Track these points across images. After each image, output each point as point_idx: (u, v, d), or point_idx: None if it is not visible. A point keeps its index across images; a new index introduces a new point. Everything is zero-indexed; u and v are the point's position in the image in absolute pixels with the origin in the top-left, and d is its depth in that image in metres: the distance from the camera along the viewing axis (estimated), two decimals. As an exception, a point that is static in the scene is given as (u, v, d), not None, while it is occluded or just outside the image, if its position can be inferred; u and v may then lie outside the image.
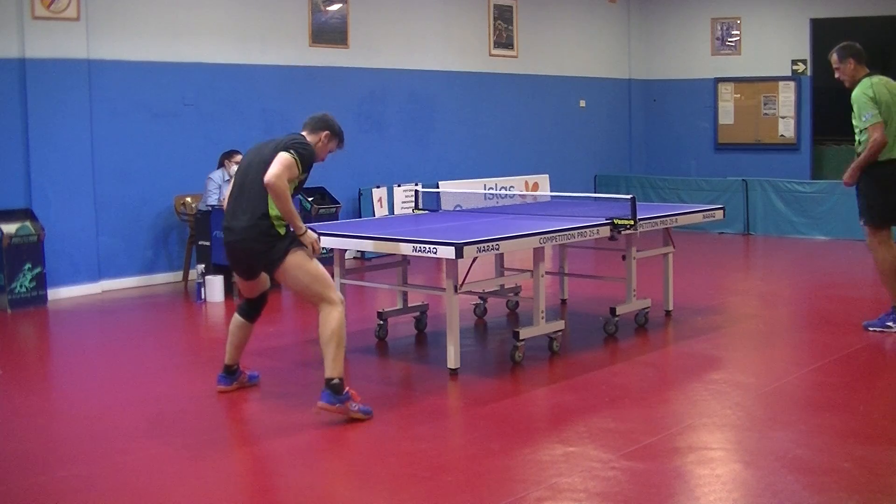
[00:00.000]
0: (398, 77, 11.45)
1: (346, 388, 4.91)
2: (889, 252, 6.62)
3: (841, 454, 4.39)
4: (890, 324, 6.72)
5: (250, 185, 5.03)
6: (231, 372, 5.48)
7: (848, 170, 6.65)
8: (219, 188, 8.76)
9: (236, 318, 5.41)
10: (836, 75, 6.80)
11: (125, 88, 9.06)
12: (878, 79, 6.64)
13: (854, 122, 6.60)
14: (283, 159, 4.89)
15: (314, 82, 10.54)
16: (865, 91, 6.51)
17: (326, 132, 5.21)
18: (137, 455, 4.55)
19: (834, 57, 6.78)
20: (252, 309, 5.40)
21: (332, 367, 4.87)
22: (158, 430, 4.93)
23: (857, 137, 6.61)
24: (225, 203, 5.31)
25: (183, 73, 9.45)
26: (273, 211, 4.95)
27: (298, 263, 4.97)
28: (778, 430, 4.75)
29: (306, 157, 5.01)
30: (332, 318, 4.91)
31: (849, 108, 6.72)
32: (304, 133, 5.21)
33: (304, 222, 5.10)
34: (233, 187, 5.20)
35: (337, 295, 5.02)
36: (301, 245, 5.03)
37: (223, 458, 4.59)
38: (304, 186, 9.76)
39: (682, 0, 14.71)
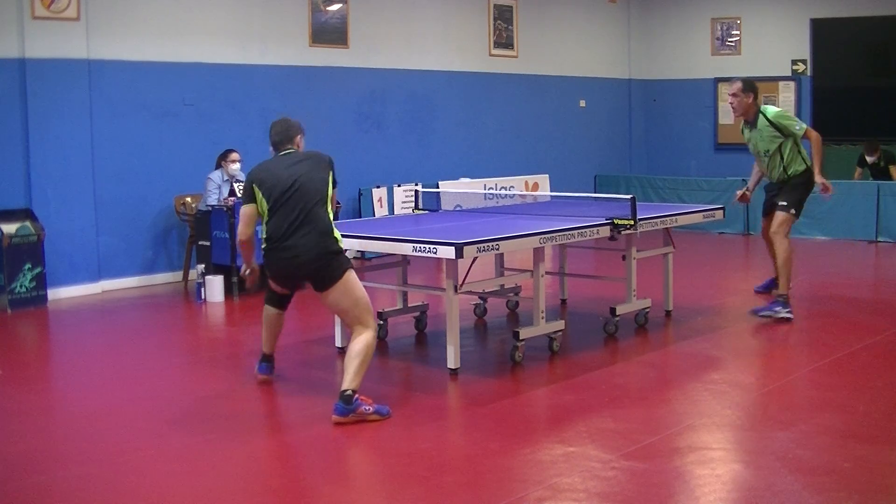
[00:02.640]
0: (398, 77, 11.45)
1: (357, 396, 4.95)
2: (791, 243, 7.32)
3: (841, 454, 4.39)
4: (778, 309, 7.12)
5: (311, 203, 5.13)
6: (270, 360, 5.70)
7: (822, 180, 7.22)
8: (218, 188, 8.77)
9: (268, 308, 5.63)
10: (730, 102, 7.41)
11: (125, 88, 9.06)
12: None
13: (762, 145, 7.34)
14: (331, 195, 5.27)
15: (314, 82, 10.54)
16: (781, 110, 7.44)
17: (299, 135, 5.49)
18: (137, 455, 4.55)
19: (738, 86, 7.35)
20: (283, 298, 5.62)
21: (351, 380, 4.94)
22: (158, 430, 4.93)
23: (766, 160, 7.37)
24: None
25: (183, 73, 9.45)
26: (335, 231, 5.18)
27: (352, 285, 5.14)
28: (778, 430, 4.75)
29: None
30: (366, 339, 5.06)
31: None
32: (300, 143, 5.47)
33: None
34: (285, 209, 5.15)
35: (374, 321, 5.21)
36: (353, 267, 5.23)
37: (223, 458, 4.58)
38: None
39: (682, 0, 14.71)
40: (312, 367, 6.18)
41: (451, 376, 5.74)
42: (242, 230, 5.31)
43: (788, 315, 7.11)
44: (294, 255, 5.11)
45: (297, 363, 6.21)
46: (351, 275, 5.14)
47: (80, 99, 8.70)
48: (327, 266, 5.09)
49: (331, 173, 5.30)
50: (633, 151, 15.11)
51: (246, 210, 5.27)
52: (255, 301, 5.51)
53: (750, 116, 7.38)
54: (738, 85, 7.34)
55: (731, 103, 7.42)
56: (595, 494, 3.99)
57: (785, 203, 7.29)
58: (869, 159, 12.27)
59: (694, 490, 4.08)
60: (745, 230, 12.40)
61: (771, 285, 7.91)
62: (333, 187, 5.32)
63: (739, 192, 7.85)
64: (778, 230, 7.28)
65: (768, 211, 7.66)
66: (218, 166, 8.93)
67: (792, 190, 7.33)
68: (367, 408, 4.96)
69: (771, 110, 7.36)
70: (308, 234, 5.10)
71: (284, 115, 5.75)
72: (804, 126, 7.29)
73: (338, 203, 10.25)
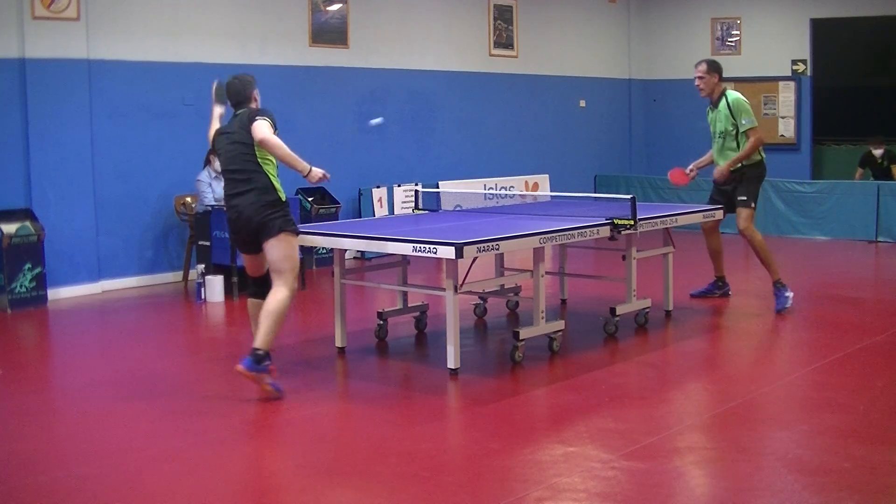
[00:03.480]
0: (398, 77, 11.45)
1: (268, 363, 5.25)
2: (754, 232, 7.55)
3: (841, 454, 4.39)
4: (787, 294, 7.33)
5: (242, 164, 5.39)
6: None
7: (722, 169, 7.51)
8: (209, 187, 8.77)
9: (251, 301, 5.71)
10: (697, 83, 7.67)
11: (125, 88, 9.06)
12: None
13: (720, 125, 7.56)
14: (261, 124, 5.31)
15: (314, 82, 10.54)
16: (741, 99, 7.55)
17: (254, 90, 5.58)
18: (137, 455, 4.55)
19: (703, 67, 7.67)
20: (260, 287, 5.65)
21: (263, 340, 5.25)
22: (158, 430, 4.93)
23: (731, 137, 7.50)
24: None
25: (183, 73, 9.45)
26: (275, 181, 5.40)
27: (286, 244, 5.38)
28: (778, 430, 4.75)
29: (273, 119, 5.41)
30: (282, 298, 5.32)
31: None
32: (257, 97, 5.59)
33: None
34: (228, 171, 5.50)
35: (295, 285, 5.48)
36: (296, 230, 5.48)
37: (223, 458, 4.59)
38: (304, 186, 9.79)
39: (682, 0, 14.70)
40: (312, 367, 6.18)
41: (451, 376, 5.74)
42: None
43: (790, 294, 7.41)
44: (237, 215, 5.42)
45: (297, 363, 6.21)
46: (289, 236, 5.37)
47: (80, 99, 8.69)
48: (265, 223, 5.32)
49: (265, 120, 5.34)
50: (633, 151, 15.10)
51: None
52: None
53: (715, 97, 7.64)
54: (703, 66, 7.63)
55: (697, 85, 7.66)
56: (595, 494, 3.99)
57: (745, 198, 7.51)
58: (877, 153, 12.30)
59: (694, 490, 4.08)
60: (745, 230, 12.39)
61: (711, 290, 8.05)
62: (276, 130, 5.37)
63: (688, 168, 8.00)
64: (747, 226, 7.49)
65: (718, 204, 7.71)
66: (206, 163, 8.92)
67: (748, 184, 7.54)
68: (269, 379, 5.29)
69: (732, 95, 7.57)
70: (246, 193, 5.36)
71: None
72: (752, 125, 7.44)
73: (338, 203, 10.25)
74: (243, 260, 5.76)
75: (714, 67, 7.65)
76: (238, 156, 5.40)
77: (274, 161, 5.44)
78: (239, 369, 5.22)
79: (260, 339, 5.26)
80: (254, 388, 5.45)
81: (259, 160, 5.37)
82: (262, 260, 5.59)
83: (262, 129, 5.29)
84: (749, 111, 7.54)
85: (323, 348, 6.61)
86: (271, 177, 5.41)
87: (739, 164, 7.51)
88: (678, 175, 8.07)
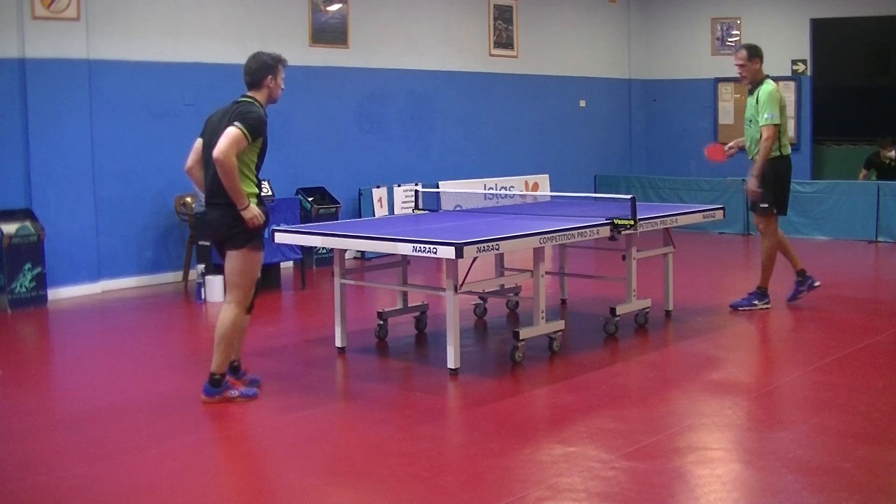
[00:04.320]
0: (398, 77, 11.45)
1: (226, 380, 5.27)
2: (777, 237, 7.43)
3: (841, 454, 4.39)
4: (756, 302, 7.42)
5: (214, 174, 5.14)
6: (235, 370, 5.52)
7: (751, 185, 7.29)
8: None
9: None
10: (738, 71, 7.38)
11: (125, 88, 9.06)
12: (776, 84, 7.30)
13: (749, 112, 7.32)
14: (229, 135, 5.00)
15: (314, 82, 10.53)
16: (773, 93, 7.21)
17: (268, 76, 5.33)
18: (137, 455, 4.55)
19: (742, 53, 7.34)
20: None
21: (215, 363, 5.23)
22: (158, 430, 4.92)
23: (747, 128, 7.35)
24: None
25: (183, 73, 9.45)
26: (246, 186, 5.12)
27: (246, 260, 5.21)
28: (778, 430, 4.75)
29: (254, 125, 5.08)
30: (228, 317, 5.21)
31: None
32: (249, 93, 5.30)
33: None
34: (206, 169, 5.27)
35: (245, 302, 5.30)
36: (260, 246, 5.27)
37: (223, 458, 4.59)
38: (304, 186, 9.72)
39: (682, 0, 14.70)
40: (312, 367, 6.18)
41: (451, 376, 5.74)
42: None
43: (766, 306, 7.43)
44: (209, 226, 5.37)
45: (297, 363, 6.21)
46: (251, 254, 5.20)
47: (80, 99, 8.69)
48: (230, 237, 5.18)
49: (236, 129, 4.99)
50: (633, 151, 15.11)
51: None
52: (255, 301, 5.49)
53: (756, 83, 7.34)
54: (743, 53, 7.31)
55: (739, 73, 7.38)
56: (595, 494, 3.99)
57: (766, 205, 7.36)
58: (890, 155, 12.30)
59: (694, 490, 4.08)
60: (745, 230, 12.40)
61: (798, 289, 7.72)
62: (253, 141, 5.06)
63: (727, 146, 7.80)
64: (765, 231, 7.43)
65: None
66: None
67: (767, 186, 7.31)
68: (233, 392, 5.26)
69: (766, 87, 7.26)
70: (218, 206, 5.17)
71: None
72: (769, 122, 7.16)
73: (338, 203, 10.24)
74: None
75: (754, 52, 7.31)
76: (211, 160, 5.10)
77: (249, 161, 5.14)
78: (203, 399, 5.24)
79: (213, 363, 5.24)
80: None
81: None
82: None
83: (224, 142, 4.95)
84: (772, 107, 7.19)
85: (323, 348, 6.61)
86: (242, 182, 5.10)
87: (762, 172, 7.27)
88: (716, 150, 7.88)
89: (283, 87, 5.46)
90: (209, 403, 5.22)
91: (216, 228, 5.26)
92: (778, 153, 7.31)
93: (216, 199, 5.19)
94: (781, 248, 7.54)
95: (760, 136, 7.21)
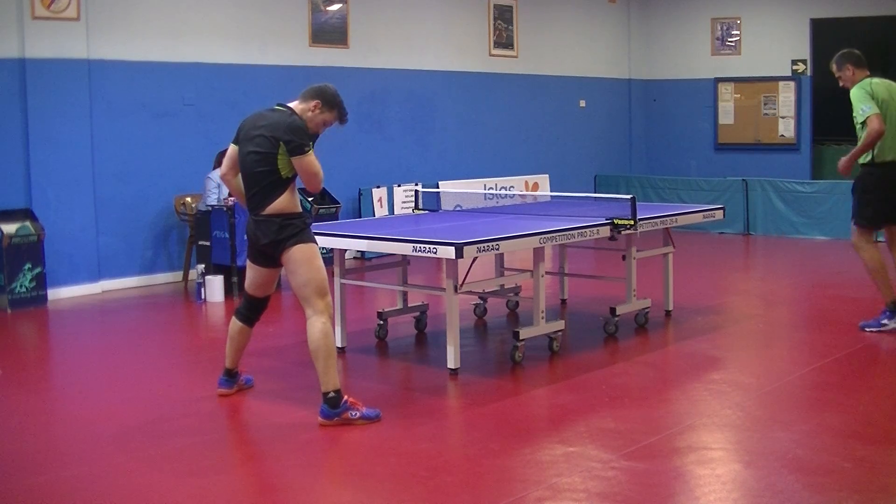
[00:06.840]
0: (398, 77, 11.45)
1: (345, 398, 4.87)
2: (875, 251, 6.78)
3: (841, 454, 4.39)
4: (885, 321, 6.75)
5: (260, 178, 4.93)
6: (232, 375, 5.45)
7: (844, 158, 6.71)
8: (218, 187, 8.76)
9: (235, 322, 5.32)
10: (840, 84, 6.90)
11: (125, 88, 9.06)
12: (878, 80, 6.77)
13: (855, 117, 6.68)
14: (305, 165, 4.83)
15: (314, 82, 10.41)
16: (863, 87, 6.66)
17: (317, 101, 5.04)
18: (137, 455, 4.55)
19: (833, 67, 6.95)
20: (251, 311, 5.30)
21: (323, 381, 4.85)
22: (158, 431, 4.92)
23: (858, 133, 6.70)
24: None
25: (183, 73, 9.45)
26: (292, 209, 4.93)
27: (305, 256, 4.89)
28: (778, 430, 4.75)
29: (309, 136, 4.91)
30: (314, 330, 4.86)
31: (849, 109, 6.74)
32: (290, 103, 5.08)
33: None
34: (245, 176, 5.04)
35: (324, 303, 4.91)
36: (313, 240, 4.98)
37: (223, 459, 4.59)
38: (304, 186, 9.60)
39: (682, 0, 14.71)
40: (312, 368, 6.15)
41: (451, 376, 5.74)
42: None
43: (887, 322, 6.75)
44: (255, 237, 4.98)
45: (297, 363, 6.21)
46: (308, 247, 4.87)
47: (80, 99, 8.69)
48: (280, 240, 4.88)
49: (304, 155, 4.83)
50: (633, 151, 15.11)
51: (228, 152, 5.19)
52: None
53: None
54: (833, 66, 6.94)
55: (842, 86, 6.90)
56: (595, 494, 3.99)
57: (853, 217, 6.89)
58: None
59: (694, 490, 4.08)
60: (745, 230, 12.41)
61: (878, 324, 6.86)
62: (289, 156, 4.84)
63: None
64: (855, 243, 6.88)
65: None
66: (216, 166, 8.92)
67: (854, 192, 6.86)
68: (353, 412, 4.85)
69: (863, 82, 6.72)
70: (262, 222, 4.89)
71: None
72: (867, 114, 6.50)
73: (338, 203, 10.25)
74: (247, 273, 5.28)
75: (843, 60, 6.85)
76: (247, 169, 4.97)
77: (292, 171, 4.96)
78: (320, 422, 4.84)
79: (322, 382, 4.84)
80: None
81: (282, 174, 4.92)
82: (270, 280, 5.21)
83: (309, 173, 4.85)
84: (863, 98, 6.59)
85: (323, 348, 6.59)
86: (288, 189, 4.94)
87: (854, 160, 6.68)
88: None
89: (319, 131, 5.12)
90: (327, 426, 4.81)
91: (265, 236, 4.91)
92: (870, 156, 6.67)
93: (257, 213, 4.95)
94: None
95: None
